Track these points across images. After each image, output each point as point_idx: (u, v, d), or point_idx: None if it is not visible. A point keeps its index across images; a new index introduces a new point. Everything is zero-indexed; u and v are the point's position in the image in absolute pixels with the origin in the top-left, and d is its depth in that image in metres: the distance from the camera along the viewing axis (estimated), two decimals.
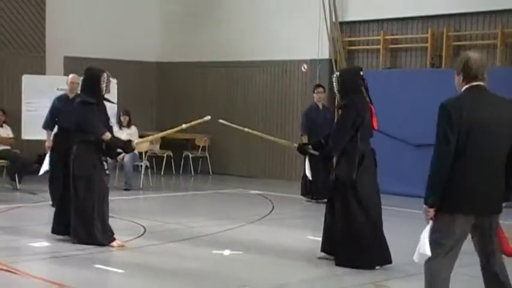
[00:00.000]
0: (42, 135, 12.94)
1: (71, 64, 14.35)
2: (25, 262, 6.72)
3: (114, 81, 9.32)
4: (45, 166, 9.73)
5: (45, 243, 7.47)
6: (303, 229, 8.84)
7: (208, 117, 8.11)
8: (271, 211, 10.34)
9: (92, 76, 7.47)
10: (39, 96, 12.45)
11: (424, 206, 4.38)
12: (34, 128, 12.47)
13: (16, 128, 12.60)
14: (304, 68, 13.98)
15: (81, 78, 7.89)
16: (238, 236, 8.37)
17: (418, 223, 10.21)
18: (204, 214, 10.02)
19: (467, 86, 4.39)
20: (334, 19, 13.39)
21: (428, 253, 4.35)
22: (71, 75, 10.00)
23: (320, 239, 7.27)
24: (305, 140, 10.60)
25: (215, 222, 9.23)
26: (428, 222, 4.42)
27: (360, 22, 13.38)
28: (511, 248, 4.62)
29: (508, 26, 11.71)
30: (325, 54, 13.61)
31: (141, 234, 8.13)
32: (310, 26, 13.55)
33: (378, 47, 13.08)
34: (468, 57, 4.42)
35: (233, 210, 10.56)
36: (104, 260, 6.81)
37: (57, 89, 12.52)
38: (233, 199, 11.94)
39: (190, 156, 14.98)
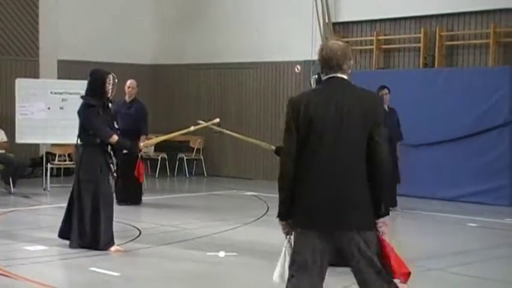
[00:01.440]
0: (35, 139, 12.95)
1: (64, 68, 14.36)
2: (20, 266, 6.71)
3: None
4: None
5: (40, 247, 7.46)
6: None
7: (217, 120, 8.12)
8: (266, 212, 10.34)
9: (97, 78, 7.39)
10: (32, 100, 12.44)
11: (277, 218, 3.79)
12: (28, 131, 12.46)
13: (10, 131, 12.58)
14: (298, 69, 14.01)
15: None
16: (233, 237, 8.37)
17: (407, 223, 10.22)
18: (198, 216, 10.02)
19: (325, 77, 3.78)
20: (327, 20, 13.42)
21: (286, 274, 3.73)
22: (128, 81, 10.65)
23: None
24: None
25: (210, 224, 9.23)
26: (286, 238, 3.79)
27: (353, 23, 13.42)
28: (405, 268, 3.76)
29: (500, 25, 11.75)
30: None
31: (136, 237, 8.13)
32: (303, 27, 13.57)
33: (371, 47, 13.11)
34: (323, 46, 3.81)
35: (228, 211, 10.57)
36: (99, 263, 6.80)
37: (51, 93, 12.54)
38: (228, 201, 11.94)
39: (185, 158, 14.98)
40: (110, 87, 7.32)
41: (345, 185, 3.62)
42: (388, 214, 3.73)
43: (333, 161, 3.62)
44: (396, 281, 3.77)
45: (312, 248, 3.64)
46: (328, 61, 3.74)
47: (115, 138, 7.31)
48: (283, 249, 3.78)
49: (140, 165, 9.82)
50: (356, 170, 3.64)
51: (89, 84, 7.45)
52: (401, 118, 10.63)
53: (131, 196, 10.47)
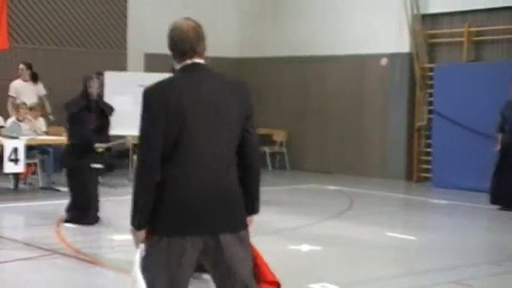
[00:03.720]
0: (123, 131, 13.23)
1: (151, 61, 14.61)
2: (107, 254, 6.84)
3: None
4: None
5: (128, 236, 7.57)
6: (381, 226, 8.67)
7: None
8: (350, 207, 10.20)
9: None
10: (121, 92, 12.71)
11: (131, 227, 3.30)
12: (115, 124, 12.71)
13: None
14: (384, 62, 13.70)
15: None
16: (317, 231, 8.28)
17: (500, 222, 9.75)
18: (281, 209, 9.97)
19: (181, 65, 3.33)
20: (415, 11, 13.07)
21: None
22: None
23: (399, 235, 7.06)
24: (499, 140, 10.06)
25: (293, 217, 9.17)
26: (139, 250, 3.32)
27: (443, 14, 13.01)
28: (272, 275, 3.51)
29: None
30: (405, 47, 13.31)
31: None
32: (391, 19, 13.28)
33: (461, 39, 12.68)
34: (171, 27, 3.34)
35: (311, 205, 10.48)
36: None
37: (138, 86, 12.77)
38: (311, 194, 11.84)
39: (268, 151, 14.96)
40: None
41: (222, 183, 3.25)
42: (258, 212, 3.42)
43: (210, 158, 3.23)
44: None
45: (180, 257, 3.18)
46: (180, 46, 3.29)
47: None
48: (138, 258, 3.27)
49: None
50: (232, 166, 3.29)
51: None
52: (494, 112, 10.21)
53: None
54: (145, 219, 3.22)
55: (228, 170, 3.28)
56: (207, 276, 3.27)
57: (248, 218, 3.37)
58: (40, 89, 12.17)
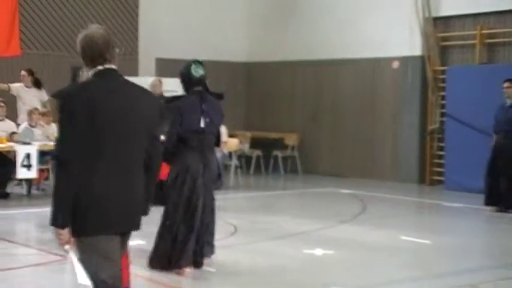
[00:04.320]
0: None
1: (162, 66, 14.63)
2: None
3: None
4: None
5: (139, 241, 7.56)
6: (395, 229, 8.62)
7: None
8: (363, 210, 10.15)
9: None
10: None
11: (54, 229, 3.44)
12: None
13: None
14: (396, 65, 13.64)
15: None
16: (330, 235, 8.24)
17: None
18: (294, 213, 9.94)
19: (93, 71, 3.48)
20: (427, 14, 13.02)
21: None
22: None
23: (413, 238, 7.02)
24: (493, 138, 10.22)
25: (306, 221, 9.13)
26: (67, 250, 3.47)
27: (455, 17, 12.95)
28: (127, 281, 3.71)
29: None
30: (417, 50, 13.25)
31: (232, 234, 8.14)
32: (402, 22, 13.23)
33: (473, 41, 12.61)
34: (82, 36, 3.55)
35: (324, 209, 10.43)
36: None
37: (150, 91, 12.77)
38: (323, 198, 11.80)
39: (280, 155, 14.93)
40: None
41: (133, 187, 3.50)
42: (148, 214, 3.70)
43: (127, 162, 3.45)
44: None
45: (107, 254, 3.43)
46: (89, 52, 3.50)
47: None
48: (73, 257, 3.50)
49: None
50: (141, 170, 3.54)
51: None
52: (506, 115, 10.17)
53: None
54: (68, 217, 3.39)
55: (140, 174, 3.52)
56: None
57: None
58: (43, 95, 12.18)
